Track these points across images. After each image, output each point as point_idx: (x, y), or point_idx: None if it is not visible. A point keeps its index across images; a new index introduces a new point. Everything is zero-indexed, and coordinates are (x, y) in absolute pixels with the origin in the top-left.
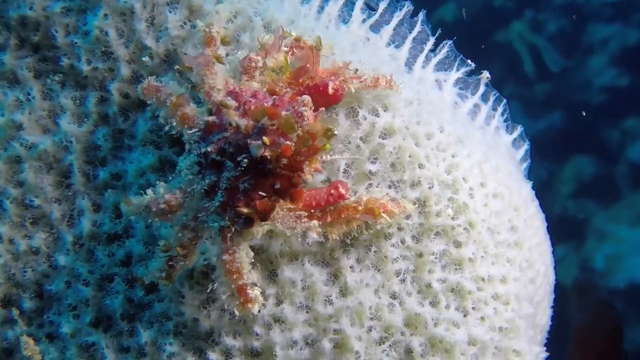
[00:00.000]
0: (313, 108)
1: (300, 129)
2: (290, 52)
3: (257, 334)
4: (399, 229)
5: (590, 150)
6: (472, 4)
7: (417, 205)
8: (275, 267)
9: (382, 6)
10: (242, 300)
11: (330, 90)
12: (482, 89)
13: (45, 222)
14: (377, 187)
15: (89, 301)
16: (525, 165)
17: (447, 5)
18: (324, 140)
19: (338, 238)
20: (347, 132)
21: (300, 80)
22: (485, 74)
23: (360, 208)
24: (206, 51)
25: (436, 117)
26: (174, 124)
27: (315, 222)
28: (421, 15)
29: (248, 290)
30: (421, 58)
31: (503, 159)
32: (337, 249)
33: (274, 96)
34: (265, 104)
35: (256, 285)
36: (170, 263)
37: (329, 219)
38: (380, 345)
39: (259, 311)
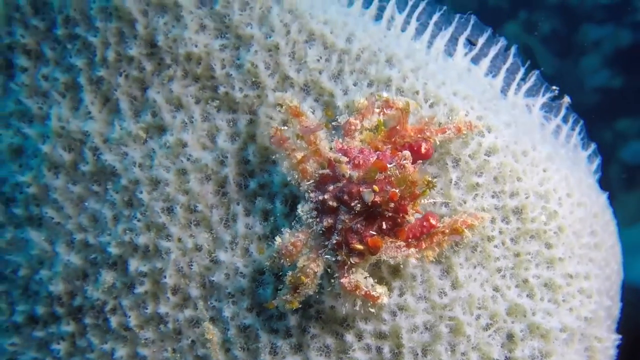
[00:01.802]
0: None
1: (405, 180)
2: (381, 112)
3: (384, 320)
4: (500, 232)
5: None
6: (467, 3)
7: (496, 214)
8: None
9: (480, 41)
10: (371, 302)
11: (423, 150)
12: (563, 111)
13: (207, 224)
14: (482, 196)
15: (245, 290)
16: (597, 177)
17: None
18: (424, 188)
19: (434, 260)
20: (458, 150)
21: (393, 139)
22: (566, 99)
23: (447, 231)
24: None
25: (529, 137)
26: (296, 176)
27: (412, 249)
28: (513, 49)
29: (372, 293)
30: (513, 86)
31: (583, 173)
32: (448, 249)
33: (378, 152)
34: (371, 159)
35: (377, 284)
36: (295, 290)
37: (423, 246)
38: (486, 330)
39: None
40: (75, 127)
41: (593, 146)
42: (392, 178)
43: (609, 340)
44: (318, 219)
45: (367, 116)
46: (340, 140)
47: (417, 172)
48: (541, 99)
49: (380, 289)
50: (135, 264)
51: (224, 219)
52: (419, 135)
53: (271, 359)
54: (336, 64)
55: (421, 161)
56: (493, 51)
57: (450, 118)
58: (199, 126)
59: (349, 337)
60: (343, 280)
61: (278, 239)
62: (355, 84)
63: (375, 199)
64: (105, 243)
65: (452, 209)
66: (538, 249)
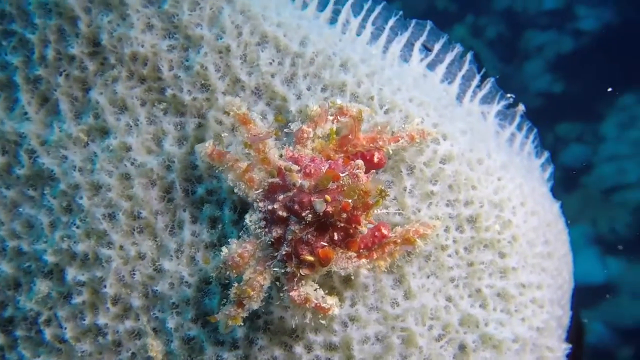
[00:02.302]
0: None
1: (358, 190)
2: (335, 120)
3: (335, 331)
4: (454, 241)
5: None
6: (416, 5)
7: (451, 223)
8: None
9: (436, 47)
10: (322, 314)
11: (376, 160)
12: (517, 119)
13: (151, 231)
14: (436, 205)
15: (190, 300)
16: (550, 185)
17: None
18: (377, 197)
19: (385, 270)
20: (413, 158)
21: (345, 148)
22: (521, 107)
23: (398, 241)
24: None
25: (484, 145)
26: (242, 187)
27: (364, 260)
28: (469, 56)
29: (322, 305)
30: (469, 93)
31: (537, 181)
32: (401, 259)
33: (329, 160)
34: (323, 168)
35: (327, 295)
36: (240, 304)
37: (375, 256)
38: (439, 341)
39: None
40: (9, 129)
41: (546, 154)
42: (345, 188)
43: (559, 350)
44: (267, 229)
45: (320, 124)
46: (291, 148)
47: (370, 181)
48: (496, 107)
49: (331, 300)
50: (73, 273)
51: (170, 226)
52: (371, 144)
53: None
54: (289, 68)
55: (374, 170)
56: (449, 57)
57: (405, 125)
58: (145, 129)
59: (298, 349)
60: (292, 293)
61: (225, 250)
62: (308, 89)
63: (327, 209)
64: (41, 251)
65: (406, 218)
66: (492, 258)
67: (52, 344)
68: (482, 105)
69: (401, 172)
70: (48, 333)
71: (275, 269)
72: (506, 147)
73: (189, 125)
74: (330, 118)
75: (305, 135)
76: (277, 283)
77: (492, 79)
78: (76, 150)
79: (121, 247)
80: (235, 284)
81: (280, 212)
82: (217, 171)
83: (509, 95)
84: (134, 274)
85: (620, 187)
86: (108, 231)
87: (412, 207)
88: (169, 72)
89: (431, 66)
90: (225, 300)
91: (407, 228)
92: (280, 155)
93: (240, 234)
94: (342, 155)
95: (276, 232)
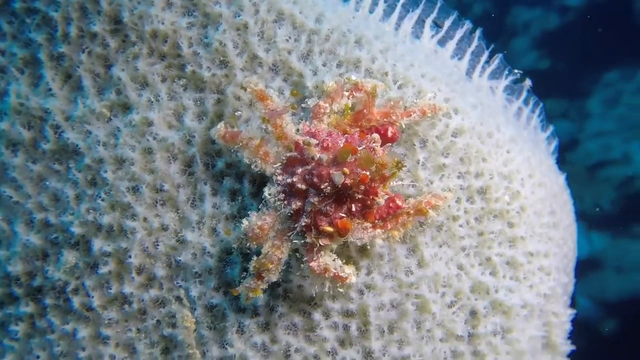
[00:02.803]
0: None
1: (375, 162)
2: (350, 95)
3: (352, 298)
4: (465, 212)
5: None
6: None
7: (462, 194)
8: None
9: (446, 24)
10: (340, 282)
11: (390, 134)
12: (524, 94)
13: (173, 203)
14: (448, 177)
15: (212, 270)
16: (555, 157)
17: None
18: (393, 169)
19: (399, 240)
20: (425, 132)
21: (359, 122)
22: (527, 82)
23: (411, 211)
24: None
25: (494, 119)
26: (259, 162)
27: (379, 230)
28: (478, 32)
29: (340, 274)
30: (478, 68)
31: (543, 154)
32: (414, 229)
33: (346, 135)
34: (339, 142)
35: (344, 265)
36: (259, 277)
37: (389, 227)
38: (450, 307)
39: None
40: (35, 104)
41: (551, 128)
42: (362, 160)
43: (565, 316)
44: (286, 202)
45: (337, 99)
46: (308, 123)
47: (386, 154)
48: (504, 82)
49: (349, 269)
50: (99, 244)
51: (191, 199)
52: (385, 119)
53: (238, 337)
54: (305, 44)
55: (389, 144)
56: (459, 34)
57: (417, 100)
58: (165, 105)
59: (317, 316)
60: (312, 263)
61: (245, 222)
62: (324, 65)
63: (346, 182)
64: (68, 222)
65: (419, 190)
66: (501, 228)
67: (80, 312)
68: (490, 81)
69: (414, 145)
70: (76, 301)
71: (295, 241)
72: (514, 121)
73: (208, 100)
74: (346, 94)
75: (322, 110)
76: (297, 254)
77: (500, 55)
78: (100, 126)
79: (145, 219)
80: (255, 258)
81: (299, 185)
82: (231, 151)
83: (516, 70)
84: (158, 245)
85: (605, 163)
86: (132, 204)
87: (425, 179)
88: (189, 49)
89: (442, 42)
90: (245, 272)
91: (419, 199)
92: (297, 130)
93: (259, 207)
94: (358, 129)
95: (295, 204)
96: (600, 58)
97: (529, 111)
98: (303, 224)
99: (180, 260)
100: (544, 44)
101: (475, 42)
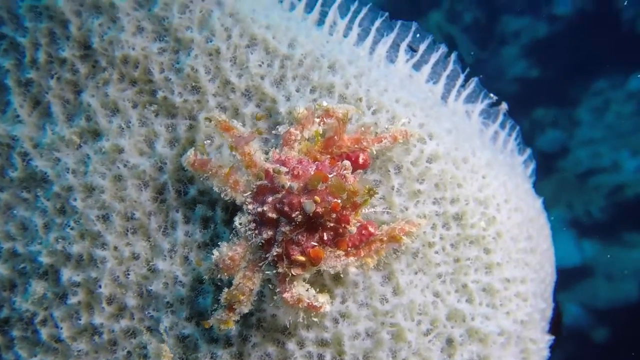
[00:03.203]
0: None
1: (346, 189)
2: (321, 122)
3: (326, 327)
4: (441, 238)
5: None
6: None
7: (437, 221)
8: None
9: (422, 48)
10: (314, 312)
11: (361, 161)
12: (500, 117)
13: (144, 232)
14: (423, 203)
15: (184, 299)
16: (532, 180)
17: None
18: (365, 197)
19: (373, 267)
20: (400, 158)
21: (330, 149)
22: (504, 105)
23: (384, 238)
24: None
25: (469, 144)
26: (228, 191)
27: (352, 258)
28: (453, 56)
29: (314, 303)
30: (453, 92)
31: (520, 178)
32: (389, 256)
33: (316, 162)
34: (310, 169)
35: (318, 294)
36: (231, 308)
37: (362, 254)
38: (427, 336)
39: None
40: (2, 132)
41: (528, 151)
42: (332, 187)
43: (542, 342)
44: (257, 231)
45: (307, 126)
46: (278, 150)
47: (357, 181)
48: (480, 105)
49: (322, 298)
50: (68, 274)
51: (163, 227)
52: (355, 145)
53: None
54: (278, 70)
55: (360, 171)
56: (434, 58)
57: (389, 126)
58: (137, 131)
59: (291, 345)
60: (285, 295)
61: (216, 252)
62: (297, 90)
63: (317, 210)
64: (36, 252)
65: (393, 216)
66: (477, 254)
67: (48, 344)
68: (466, 105)
69: (389, 171)
70: (44, 333)
71: (267, 272)
72: (490, 145)
73: (180, 127)
74: (317, 120)
75: (293, 137)
76: (270, 284)
77: (475, 79)
78: (69, 153)
79: (115, 248)
80: (226, 290)
81: (270, 214)
82: (201, 179)
83: (492, 95)
84: (129, 274)
85: (595, 171)
86: (102, 232)
87: (399, 206)
88: (160, 74)
89: (417, 67)
90: (217, 302)
91: (393, 226)
92: (267, 158)
93: (230, 237)
94: (329, 157)
95: (266, 233)
96: (589, 66)
97: (505, 134)
98: (275, 253)
99: (151, 289)
100: (533, 53)
101: (450, 66)
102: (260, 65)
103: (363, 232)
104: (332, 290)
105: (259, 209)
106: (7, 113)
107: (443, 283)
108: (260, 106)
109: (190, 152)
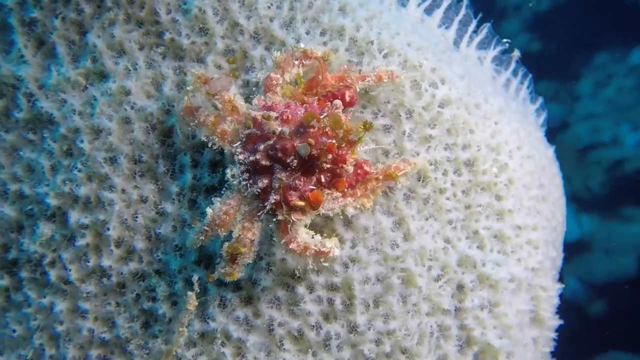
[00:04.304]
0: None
1: (343, 124)
2: (300, 64)
3: (336, 272)
4: (453, 184)
5: None
6: None
7: (448, 167)
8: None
9: None
10: (323, 258)
11: (347, 98)
12: (513, 65)
13: (152, 175)
14: (434, 149)
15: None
16: (544, 130)
17: None
18: (360, 134)
19: (371, 207)
20: (411, 102)
21: (314, 90)
22: (516, 53)
23: (380, 177)
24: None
25: (482, 90)
26: (216, 140)
27: (349, 199)
28: (465, 1)
29: (322, 249)
30: (465, 38)
31: (532, 126)
32: (399, 202)
33: (305, 104)
34: (299, 112)
35: (325, 239)
36: (233, 261)
37: (359, 194)
38: (437, 281)
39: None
40: (7, 72)
41: (540, 100)
42: (327, 128)
43: (553, 290)
44: (251, 181)
45: (287, 69)
46: (262, 97)
47: (349, 120)
48: (492, 52)
49: (330, 243)
50: (76, 216)
51: (171, 170)
52: (340, 83)
53: (220, 311)
54: (288, 12)
55: (351, 109)
56: (446, 2)
57: (404, 69)
58: (143, 73)
59: (300, 289)
60: (291, 245)
61: (209, 210)
62: (307, 33)
63: (313, 153)
64: (43, 194)
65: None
66: (489, 201)
67: (57, 285)
68: (478, 51)
69: (400, 116)
70: (53, 274)
71: (265, 219)
72: (502, 92)
73: (188, 69)
74: (296, 62)
75: (274, 82)
76: (277, 226)
77: (488, 25)
78: (75, 94)
79: (123, 191)
80: (226, 243)
81: (263, 162)
82: (189, 128)
83: (504, 40)
84: (137, 217)
85: (595, 145)
86: (110, 175)
87: (411, 151)
88: (167, 15)
89: (428, 11)
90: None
91: (388, 165)
92: (251, 105)
93: (222, 191)
94: (316, 98)
95: (262, 182)
96: (591, 40)
97: (517, 82)
98: (273, 201)
99: (160, 232)
100: (534, 27)
101: (462, 11)
102: (269, 7)
103: (358, 171)
104: (342, 235)
105: (251, 158)
106: (12, 53)
107: (454, 229)
108: (269, 49)
109: (185, 99)
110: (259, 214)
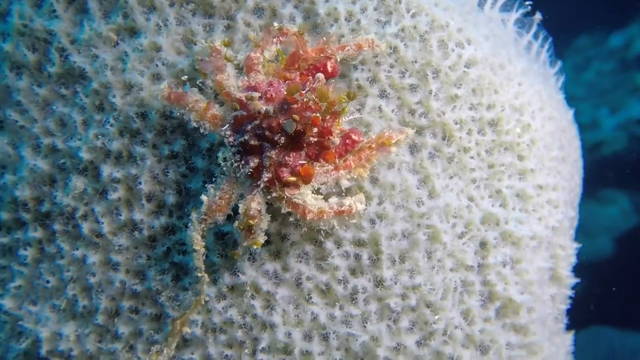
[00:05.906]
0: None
1: (329, 95)
2: (278, 41)
3: (363, 228)
4: (477, 144)
5: None
6: None
7: (473, 126)
8: (377, 173)
9: None
10: (347, 216)
11: (329, 69)
12: (534, 28)
13: (182, 130)
14: (460, 108)
15: None
16: (562, 93)
17: None
18: (343, 105)
19: (366, 176)
20: (438, 62)
21: (296, 65)
22: (538, 16)
23: (373, 146)
24: (217, 56)
25: (506, 51)
26: (207, 125)
27: (342, 171)
28: None
29: (341, 209)
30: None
31: (553, 88)
32: (425, 160)
33: (287, 81)
34: (282, 90)
35: (343, 198)
36: (249, 232)
37: (353, 165)
38: (461, 238)
39: (365, 209)
40: (39, 26)
41: (559, 63)
42: (310, 102)
43: (571, 249)
44: (243, 162)
45: (266, 47)
46: (245, 78)
47: (331, 91)
48: (515, 14)
49: (348, 200)
50: (108, 170)
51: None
52: (321, 55)
53: (250, 265)
54: None
55: (332, 80)
56: None
57: (431, 28)
58: (174, 30)
59: (328, 245)
60: (309, 217)
61: (204, 198)
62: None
63: (298, 128)
64: (75, 148)
65: (431, 121)
66: (511, 161)
67: (89, 238)
68: (502, 13)
69: (427, 75)
70: (85, 227)
71: (262, 198)
72: (525, 54)
73: (217, 26)
74: (274, 40)
75: (255, 61)
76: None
77: None
78: (107, 50)
79: (154, 146)
80: (236, 222)
81: (252, 142)
82: (177, 114)
83: (527, 2)
84: (167, 172)
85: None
86: (141, 130)
87: (437, 110)
88: None
89: None
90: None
91: (380, 134)
92: (237, 87)
93: (215, 176)
94: (298, 73)
95: (253, 161)
96: (571, 24)
97: (538, 45)
98: (265, 179)
99: (190, 187)
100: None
101: None
102: None
103: (347, 141)
104: (369, 192)
105: (240, 139)
106: (44, 7)
107: (477, 188)
108: (298, 7)
109: (165, 85)
110: (254, 192)
